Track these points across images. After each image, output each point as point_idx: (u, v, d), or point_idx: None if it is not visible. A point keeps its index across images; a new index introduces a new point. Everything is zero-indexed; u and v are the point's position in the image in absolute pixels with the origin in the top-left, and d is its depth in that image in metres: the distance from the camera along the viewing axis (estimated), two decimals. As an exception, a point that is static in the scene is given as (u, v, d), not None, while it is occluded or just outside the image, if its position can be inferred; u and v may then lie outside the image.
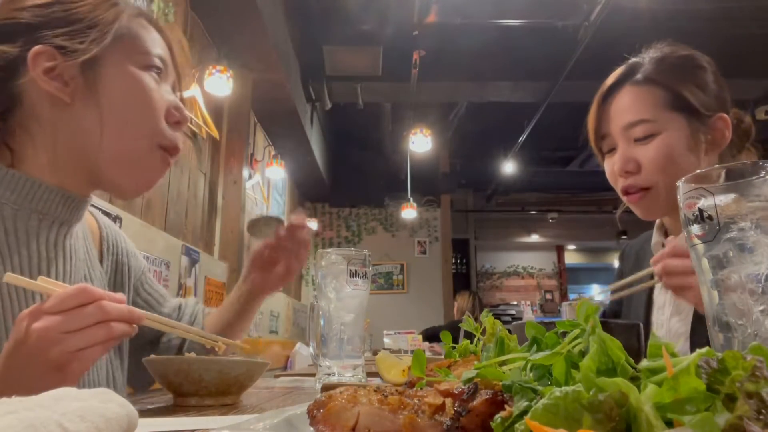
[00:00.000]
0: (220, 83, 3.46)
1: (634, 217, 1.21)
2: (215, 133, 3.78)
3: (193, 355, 0.86)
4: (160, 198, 3.15)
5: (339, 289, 1.06)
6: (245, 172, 4.42)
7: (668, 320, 1.18)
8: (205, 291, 3.71)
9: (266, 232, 1.19)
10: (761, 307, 0.45)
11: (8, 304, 0.78)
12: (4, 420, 0.33)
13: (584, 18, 4.53)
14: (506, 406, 0.32)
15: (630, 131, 1.12)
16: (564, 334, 0.38)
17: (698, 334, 1.07)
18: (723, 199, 0.47)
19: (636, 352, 0.73)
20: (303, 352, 3.78)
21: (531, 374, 0.36)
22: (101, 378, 0.94)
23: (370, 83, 5.62)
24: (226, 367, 0.79)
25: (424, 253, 8.03)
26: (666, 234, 1.24)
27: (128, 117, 0.86)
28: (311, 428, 0.37)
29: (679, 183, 0.51)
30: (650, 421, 0.24)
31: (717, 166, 0.48)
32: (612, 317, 1.36)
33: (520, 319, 7.17)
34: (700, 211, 0.48)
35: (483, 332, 0.68)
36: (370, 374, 1.11)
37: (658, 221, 1.25)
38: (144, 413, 0.69)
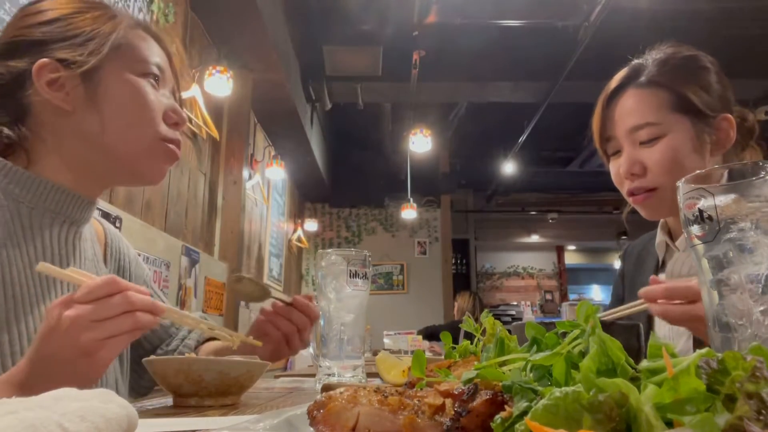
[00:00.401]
0: (220, 83, 3.47)
1: (635, 218, 1.21)
2: (215, 134, 3.78)
3: (193, 355, 0.86)
4: (160, 198, 3.15)
5: (339, 290, 1.06)
6: (245, 173, 4.42)
7: None
8: (205, 291, 3.71)
9: (247, 293, 1.14)
10: (761, 308, 0.45)
11: (35, 294, 0.84)
12: (4, 420, 0.33)
13: (584, 18, 4.53)
14: (506, 407, 0.32)
15: (635, 134, 1.12)
16: (564, 334, 0.38)
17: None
18: (723, 200, 0.47)
19: (636, 352, 0.72)
20: (303, 352, 3.78)
21: (531, 375, 0.36)
22: (109, 385, 0.97)
23: (370, 83, 5.62)
24: (226, 367, 0.79)
25: (424, 253, 8.03)
26: (670, 234, 1.23)
27: (128, 120, 0.91)
28: (311, 429, 0.37)
29: (679, 183, 0.51)
30: (650, 421, 0.24)
31: (717, 166, 0.48)
32: None
33: (520, 319, 7.17)
34: (700, 211, 0.48)
35: (483, 333, 0.69)
36: (370, 375, 1.11)
37: (662, 221, 1.25)
38: (144, 414, 0.69)
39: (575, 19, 4.63)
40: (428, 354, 1.47)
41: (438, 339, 4.74)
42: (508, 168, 7.70)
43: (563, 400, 0.26)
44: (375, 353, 2.25)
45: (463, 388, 0.35)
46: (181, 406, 0.79)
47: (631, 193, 1.14)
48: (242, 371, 0.81)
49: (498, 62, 5.46)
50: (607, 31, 4.35)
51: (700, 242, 0.48)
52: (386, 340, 4.21)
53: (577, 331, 0.36)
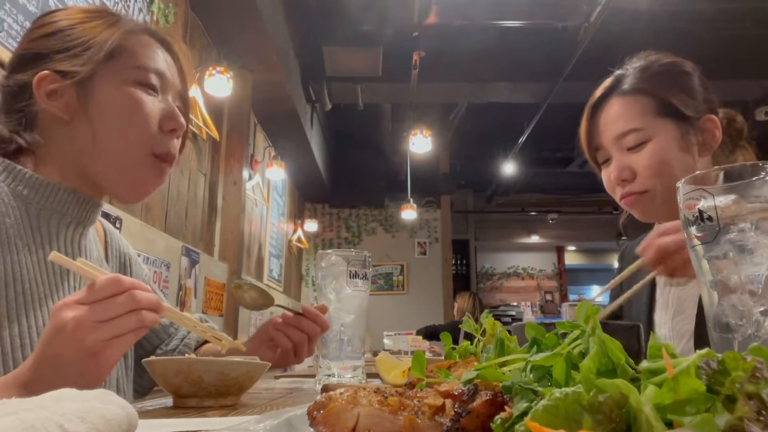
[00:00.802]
0: (220, 84, 3.47)
1: (634, 219, 1.22)
2: (215, 134, 3.78)
3: (193, 356, 0.87)
4: (160, 199, 3.15)
5: (339, 290, 1.06)
6: (245, 173, 4.42)
7: (671, 319, 1.17)
8: (205, 292, 3.71)
9: (248, 300, 1.12)
10: (761, 308, 0.45)
11: (43, 292, 0.86)
12: (4, 421, 0.33)
13: (584, 19, 4.53)
14: (506, 407, 0.32)
15: (621, 141, 1.14)
16: (564, 335, 0.38)
17: (703, 333, 1.07)
18: (723, 200, 0.47)
19: (636, 353, 0.72)
20: (303, 353, 3.77)
21: (531, 375, 0.36)
22: (112, 385, 0.98)
23: (370, 84, 5.62)
24: (226, 368, 0.79)
25: (424, 253, 8.03)
26: None
27: (117, 129, 0.91)
28: (311, 429, 0.37)
29: (679, 184, 0.51)
30: (650, 422, 0.24)
31: (717, 167, 0.48)
32: (613, 317, 1.35)
33: (520, 320, 7.17)
34: (700, 212, 0.48)
35: (483, 333, 0.69)
36: (370, 375, 1.11)
37: (656, 223, 1.25)
38: (144, 414, 0.69)
39: (575, 20, 4.63)
40: (428, 354, 1.47)
41: (438, 339, 4.74)
42: (508, 168, 7.70)
43: (563, 401, 0.26)
44: (375, 354, 2.25)
45: (463, 388, 0.35)
46: (181, 407, 0.79)
47: (623, 198, 1.17)
48: (242, 372, 0.81)
49: (498, 63, 5.47)
50: (607, 32, 4.35)
51: (700, 243, 0.48)
52: (386, 341, 4.21)
53: (577, 332, 0.36)
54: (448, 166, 8.12)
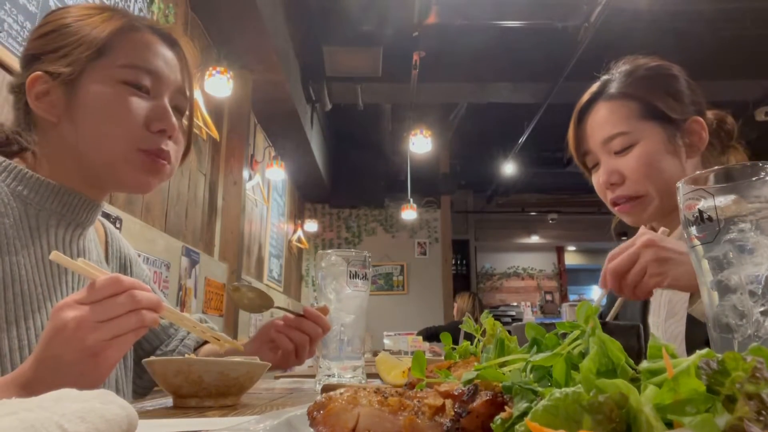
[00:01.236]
0: (220, 84, 3.47)
1: (625, 223, 1.23)
2: (215, 134, 3.78)
3: (192, 356, 0.87)
4: (161, 199, 3.16)
5: (339, 291, 1.06)
6: (245, 173, 4.42)
7: (664, 322, 1.18)
8: (205, 292, 3.71)
9: (246, 302, 1.12)
10: (761, 309, 0.45)
11: (42, 293, 0.86)
12: (4, 421, 0.33)
13: (584, 19, 4.53)
14: (506, 408, 0.32)
15: (609, 145, 1.15)
16: (564, 335, 0.38)
17: (694, 336, 1.07)
18: (723, 200, 0.47)
19: (636, 353, 0.72)
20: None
21: (531, 375, 0.36)
22: (111, 385, 0.98)
23: (370, 84, 5.62)
24: (226, 368, 0.79)
25: (424, 254, 8.03)
26: None
27: (100, 129, 0.90)
28: (311, 429, 0.37)
29: (679, 184, 0.51)
30: (650, 422, 0.24)
31: (717, 167, 0.48)
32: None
33: (520, 320, 7.16)
34: (700, 212, 0.48)
35: (483, 333, 0.68)
36: (370, 375, 1.11)
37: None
38: (144, 414, 0.69)
39: (575, 20, 4.63)
40: (428, 355, 1.47)
41: (438, 340, 4.73)
42: (508, 168, 7.70)
43: (563, 401, 0.26)
44: (375, 354, 2.25)
45: (463, 388, 0.35)
46: (181, 407, 0.79)
47: (614, 203, 1.18)
48: (242, 372, 0.81)
49: (498, 63, 5.47)
50: (607, 32, 4.35)
51: (700, 243, 0.48)
52: (386, 341, 4.21)
53: (577, 332, 0.36)
54: (448, 166, 8.11)
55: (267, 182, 5.43)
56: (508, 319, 7.59)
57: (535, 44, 5.02)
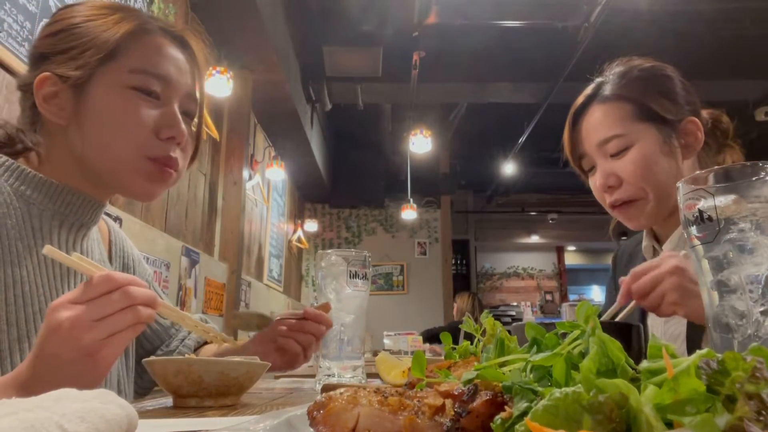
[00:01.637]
0: (220, 84, 3.47)
1: (623, 225, 1.23)
2: (215, 134, 3.78)
3: (193, 356, 0.87)
4: (161, 199, 3.15)
5: (339, 290, 1.06)
6: (245, 173, 4.42)
7: (664, 323, 1.18)
8: (205, 292, 3.71)
9: (245, 324, 1.12)
10: (761, 308, 0.45)
11: (44, 293, 0.85)
12: (4, 421, 0.33)
13: (584, 19, 4.53)
14: (506, 407, 0.32)
15: (604, 147, 1.14)
16: (564, 335, 0.38)
17: (694, 336, 1.07)
18: (723, 200, 0.47)
19: (636, 353, 0.72)
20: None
21: (531, 375, 0.36)
22: (112, 384, 0.98)
23: (370, 84, 5.62)
24: (226, 368, 0.79)
25: (424, 254, 8.03)
26: (656, 238, 1.24)
27: (107, 136, 0.88)
28: (311, 429, 0.37)
29: (679, 184, 0.51)
30: (650, 422, 0.24)
31: (717, 167, 0.48)
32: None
33: (520, 320, 7.17)
34: (700, 212, 0.48)
35: (483, 333, 0.68)
36: (370, 375, 1.11)
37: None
38: (144, 414, 0.69)
39: (575, 20, 4.63)
40: (428, 355, 1.47)
41: (438, 341, 4.73)
42: (508, 168, 7.70)
43: (563, 401, 0.26)
44: (375, 354, 2.25)
45: (463, 388, 0.35)
46: (181, 407, 0.79)
47: (612, 206, 1.17)
48: (242, 372, 0.81)
49: (498, 63, 5.47)
50: (607, 32, 4.35)
51: (700, 243, 0.48)
52: (386, 341, 4.21)
53: (577, 332, 0.36)
54: (448, 166, 8.12)
55: (267, 182, 5.43)
56: (508, 319, 7.58)
57: (535, 44, 5.02)
